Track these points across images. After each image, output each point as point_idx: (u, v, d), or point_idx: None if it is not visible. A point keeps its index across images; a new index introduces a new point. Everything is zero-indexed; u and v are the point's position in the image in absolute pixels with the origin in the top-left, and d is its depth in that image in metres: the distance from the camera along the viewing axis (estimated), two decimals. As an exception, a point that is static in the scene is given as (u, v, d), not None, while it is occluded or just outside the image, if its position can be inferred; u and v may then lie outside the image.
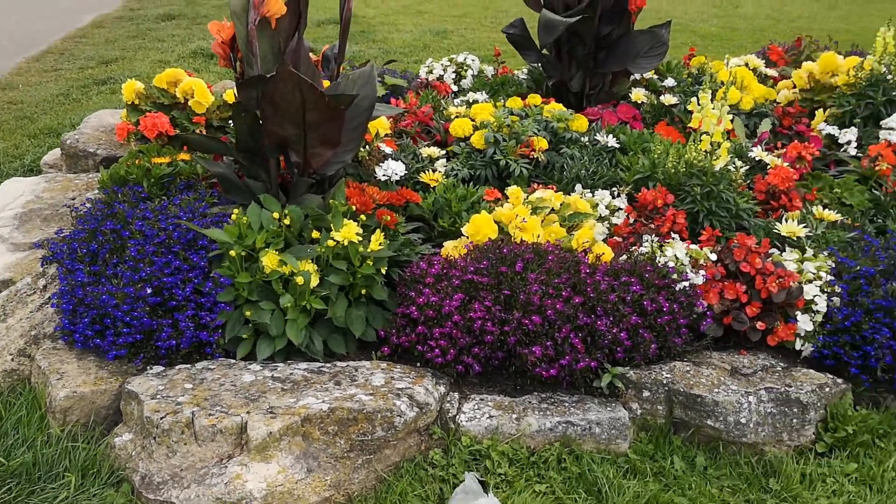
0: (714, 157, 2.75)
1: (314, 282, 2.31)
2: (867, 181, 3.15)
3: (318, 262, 2.37)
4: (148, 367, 2.27)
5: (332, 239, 2.35)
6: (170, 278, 2.31)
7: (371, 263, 2.36)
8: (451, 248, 2.56)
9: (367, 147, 3.04)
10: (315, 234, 2.40)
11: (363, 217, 2.48)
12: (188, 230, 2.44)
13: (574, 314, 2.24)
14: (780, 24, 7.56)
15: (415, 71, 4.65)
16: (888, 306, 2.33)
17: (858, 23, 7.03)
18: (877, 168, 3.10)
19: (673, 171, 2.83)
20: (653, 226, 2.68)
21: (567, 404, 2.22)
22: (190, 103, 3.28)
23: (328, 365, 2.28)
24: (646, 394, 2.25)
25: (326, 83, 2.99)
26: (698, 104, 2.82)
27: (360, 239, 2.38)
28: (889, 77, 3.64)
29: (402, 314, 2.35)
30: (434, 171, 3.04)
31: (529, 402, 2.22)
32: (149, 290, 2.30)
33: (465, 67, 4.17)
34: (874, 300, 2.35)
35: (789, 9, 8.19)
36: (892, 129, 3.42)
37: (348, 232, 2.35)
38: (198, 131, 3.28)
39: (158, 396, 2.10)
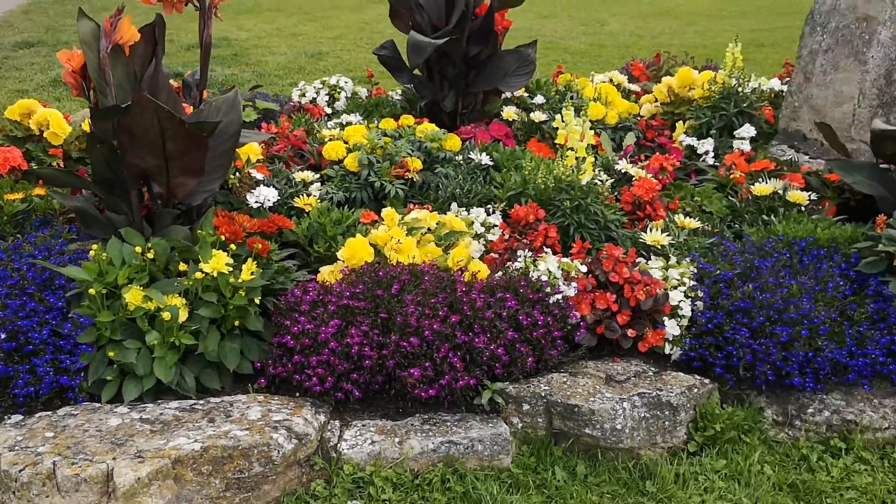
0: (580, 172, 2.83)
1: (183, 316, 2.22)
2: (724, 188, 3.32)
3: (187, 296, 2.29)
4: (6, 417, 2.13)
5: (201, 271, 2.28)
6: (25, 321, 2.18)
7: (243, 294, 2.30)
8: (327, 273, 2.53)
9: (238, 174, 2.97)
10: (182, 267, 2.32)
11: (233, 246, 2.42)
12: (44, 269, 2.31)
13: (452, 333, 2.25)
14: (644, 40, 7.91)
15: (288, 94, 4.60)
16: (746, 307, 2.45)
17: (714, 38, 7.45)
18: (731, 176, 3.27)
19: (543, 186, 2.90)
20: (526, 241, 2.73)
21: (449, 424, 2.22)
22: (46, 135, 3.12)
23: (202, 402, 2.20)
24: (526, 407, 2.28)
25: (190, 110, 2.91)
26: (563, 121, 2.90)
27: (231, 269, 2.31)
28: (739, 90, 3.87)
29: (279, 344, 2.30)
30: (308, 195, 3.00)
31: (412, 425, 2.21)
32: (2, 336, 2.16)
33: (338, 90, 4.15)
34: (733, 302, 2.48)
35: (652, 25, 8.59)
36: (743, 138, 3.64)
37: (217, 263, 2.29)
38: (55, 164, 3.12)
39: (17, 448, 1.97)
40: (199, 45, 2.58)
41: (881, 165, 3.08)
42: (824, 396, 2.43)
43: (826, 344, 2.41)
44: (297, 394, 2.28)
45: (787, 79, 4.01)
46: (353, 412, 2.29)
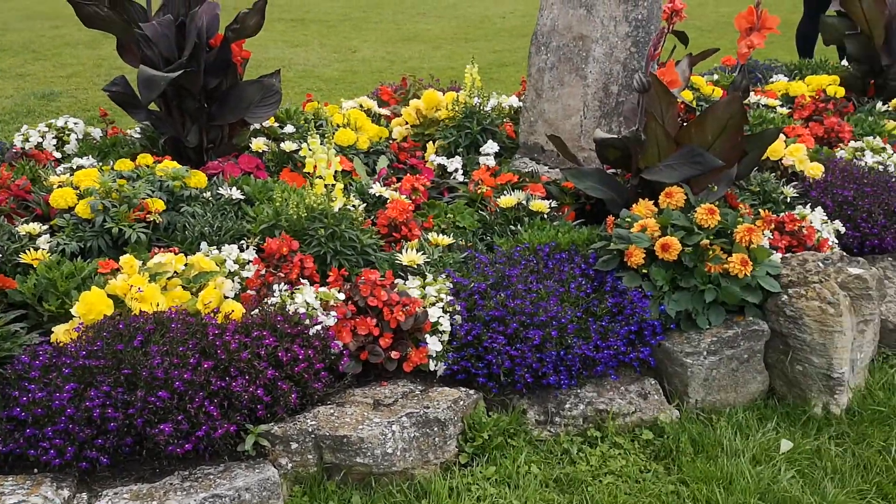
0: (331, 199, 2.81)
1: None
2: (475, 203, 3.45)
3: None
4: None
5: None
6: None
7: (-42, 368, 2.03)
8: (61, 333, 2.31)
9: (-52, 233, 2.64)
10: None
11: (-58, 316, 2.13)
12: None
13: (206, 380, 2.13)
14: (395, 65, 8.11)
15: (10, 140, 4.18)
16: (500, 315, 2.55)
17: (460, 60, 7.79)
18: (479, 191, 3.41)
19: (296, 217, 2.84)
20: (282, 274, 2.66)
21: (213, 476, 2.09)
22: None
23: (-86, 499, 1.91)
24: (294, 446, 2.21)
25: None
26: (309, 149, 2.87)
27: (-60, 342, 2.03)
28: (480, 108, 4.05)
29: (8, 418, 2.05)
30: (37, 248, 2.73)
31: (171, 484, 2.06)
32: None
33: (67, 132, 3.83)
34: (488, 312, 2.56)
35: (402, 51, 8.83)
36: (488, 154, 3.80)
37: (-78, 336, 2.00)
38: None
39: None
40: None
41: (608, 170, 3.35)
42: (579, 391, 2.57)
43: (575, 341, 2.56)
44: (36, 470, 2.04)
45: (524, 95, 4.25)
46: (104, 480, 2.09)
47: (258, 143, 3.72)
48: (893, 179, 3.46)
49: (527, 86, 3.92)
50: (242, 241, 2.90)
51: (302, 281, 2.63)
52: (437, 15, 11.32)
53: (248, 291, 2.64)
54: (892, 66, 4.59)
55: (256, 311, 2.46)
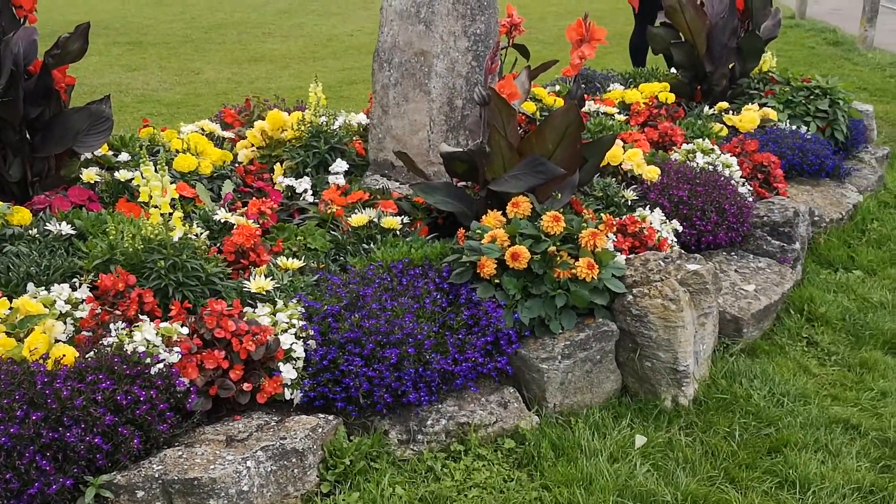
0: (170, 229, 2.68)
1: None
2: (326, 223, 3.38)
3: None
4: None
5: None
6: None
7: None
8: None
9: None
10: None
11: None
12: None
13: (37, 433, 1.96)
14: (241, 86, 7.91)
15: None
16: (356, 337, 2.50)
17: (307, 80, 7.66)
18: (330, 211, 3.35)
19: (132, 249, 2.68)
20: (119, 311, 2.49)
21: (49, 538, 1.92)
22: None
23: None
24: (140, 494, 2.07)
25: None
26: (143, 177, 2.72)
27: None
28: (327, 127, 3.99)
29: None
30: None
31: (1, 552, 1.88)
32: None
33: None
34: (343, 334, 2.51)
35: (248, 71, 8.62)
36: (338, 173, 3.75)
37: None
38: None
39: None
40: None
41: (457, 183, 3.37)
42: (440, 406, 2.56)
43: (433, 356, 2.55)
44: None
45: (371, 112, 4.23)
46: (-80, 558, 1.88)
47: (90, 174, 3.50)
48: (722, 178, 3.67)
49: (373, 103, 3.90)
50: (75, 280, 2.71)
51: (141, 317, 2.48)
52: (283, 34, 11.15)
53: (83, 333, 2.46)
54: (715, 72, 4.89)
55: (92, 353, 2.30)
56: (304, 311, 2.61)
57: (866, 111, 5.14)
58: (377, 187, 3.70)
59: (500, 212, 3.04)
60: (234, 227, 3.14)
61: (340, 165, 3.79)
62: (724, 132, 4.48)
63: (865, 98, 6.79)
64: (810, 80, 4.91)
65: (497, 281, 2.79)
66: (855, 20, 10.80)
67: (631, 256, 3.01)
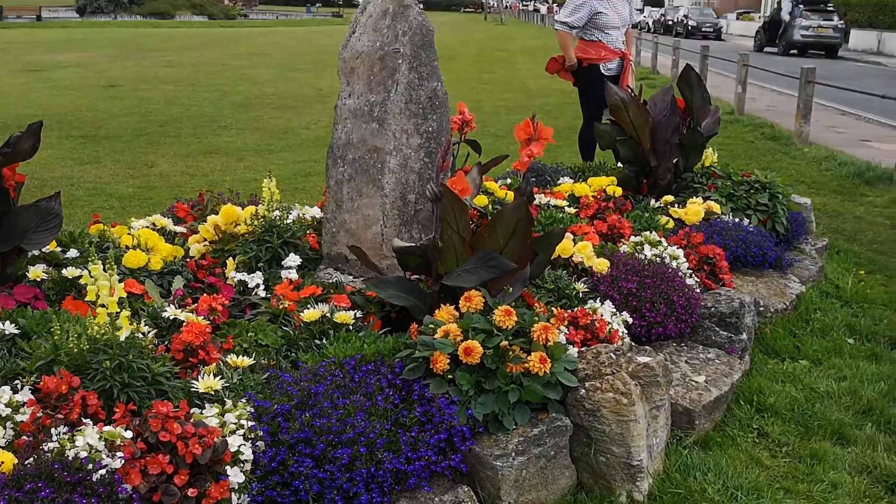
0: (117, 328, 2.63)
1: None
2: (278, 319, 3.35)
3: None
4: None
5: None
6: None
7: None
8: None
9: None
10: None
11: None
12: None
13: (-33, 549, 1.86)
14: (196, 178, 7.93)
15: None
16: (306, 437, 2.45)
17: (263, 172, 7.72)
18: (282, 306, 3.33)
19: (77, 350, 2.62)
20: (61, 415, 2.42)
21: None
22: None
23: None
24: None
25: None
26: (91, 276, 2.68)
27: None
28: (280, 221, 4.01)
29: None
30: None
31: None
32: None
33: None
34: (293, 434, 2.46)
35: (203, 164, 8.66)
36: (291, 267, 3.75)
37: None
38: None
39: None
40: None
41: (410, 277, 3.39)
42: (392, 507, 2.50)
43: (385, 455, 2.50)
44: None
45: (325, 207, 4.27)
46: None
47: (36, 272, 3.44)
48: (670, 270, 3.75)
49: (327, 197, 3.94)
50: (17, 381, 2.63)
51: (84, 421, 2.40)
52: (239, 127, 11.28)
53: (23, 437, 2.37)
54: (659, 167, 5.07)
55: (32, 459, 2.21)
56: (253, 410, 2.56)
57: (804, 204, 5.35)
58: (330, 281, 3.71)
59: (453, 306, 3.05)
60: (184, 324, 3.10)
61: (294, 260, 3.79)
62: (671, 224, 4.61)
63: (803, 191, 7.07)
64: (750, 175, 5.11)
65: (450, 376, 2.78)
66: (790, 116, 11.35)
67: (583, 349, 3.03)
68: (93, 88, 15.53)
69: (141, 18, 53.11)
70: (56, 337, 2.71)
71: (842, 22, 31.01)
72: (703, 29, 41.89)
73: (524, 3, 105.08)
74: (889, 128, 11.78)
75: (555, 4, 74.21)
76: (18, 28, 40.00)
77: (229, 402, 2.58)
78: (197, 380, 2.71)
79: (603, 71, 6.31)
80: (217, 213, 4.29)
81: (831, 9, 30.62)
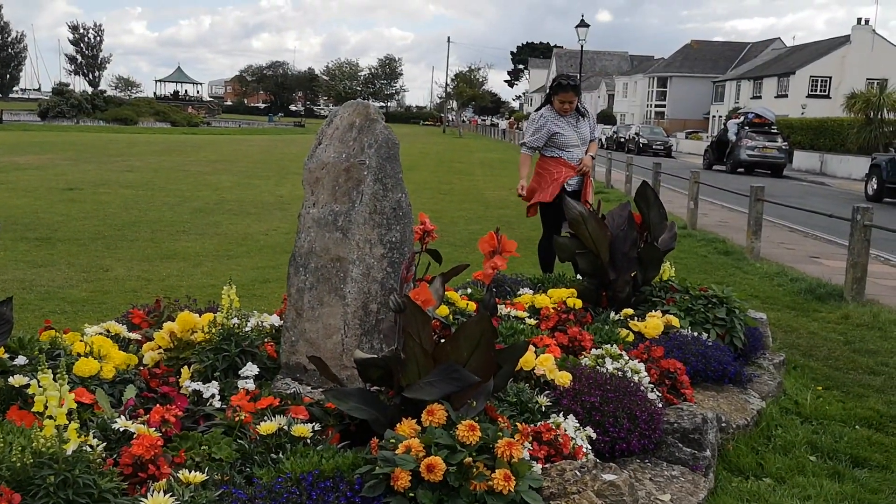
0: (64, 441, 2.51)
1: None
2: (234, 431, 3.24)
3: None
4: None
5: None
6: None
7: None
8: None
9: None
10: None
11: None
12: None
13: None
14: (152, 283, 7.80)
15: None
16: (260, 560, 2.32)
17: (221, 277, 7.67)
18: (238, 418, 3.22)
19: (20, 464, 2.49)
20: (-3, 535, 2.27)
21: None
22: None
23: None
24: None
25: None
26: (39, 385, 2.58)
27: None
28: (238, 329, 3.94)
29: None
30: None
31: None
32: None
33: None
34: (246, 558, 2.33)
35: (159, 269, 8.55)
36: (248, 377, 3.65)
37: None
38: None
39: None
40: None
41: (371, 389, 3.33)
42: None
43: (343, 580, 2.38)
44: None
45: (285, 315, 4.21)
46: None
47: (-19, 378, 3.30)
48: (632, 384, 3.74)
49: (287, 305, 3.89)
50: (-50, 498, 2.47)
51: (23, 542, 2.26)
52: (198, 232, 11.23)
53: (-48, 561, 2.21)
54: (618, 280, 5.14)
55: (-40, 585, 2.05)
56: (204, 531, 2.43)
57: (761, 319, 5.44)
58: (289, 391, 3.62)
59: (415, 419, 2.98)
60: (135, 435, 2.98)
61: (251, 369, 3.70)
62: (630, 338, 4.63)
63: (757, 305, 7.20)
64: (707, 290, 5.21)
65: (412, 494, 2.69)
66: (741, 231, 11.71)
67: (547, 466, 2.97)
68: (51, 191, 15.44)
69: (104, 124, 53.59)
70: (-2, 449, 2.57)
71: (786, 143, 32.59)
72: (654, 146, 43.66)
73: (482, 117, 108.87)
74: (836, 245, 12.19)
75: (516, 120, 77.01)
76: (-22, 129, 39.96)
77: (180, 522, 2.44)
78: (146, 496, 2.58)
79: (565, 186, 6.49)
80: (173, 320, 4.21)
81: (775, 130, 32.22)
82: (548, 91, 6.82)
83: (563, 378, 3.75)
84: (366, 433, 3.24)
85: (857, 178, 29.89)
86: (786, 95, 56.23)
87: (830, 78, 54.70)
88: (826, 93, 54.41)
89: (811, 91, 55.36)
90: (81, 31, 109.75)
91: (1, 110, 53.59)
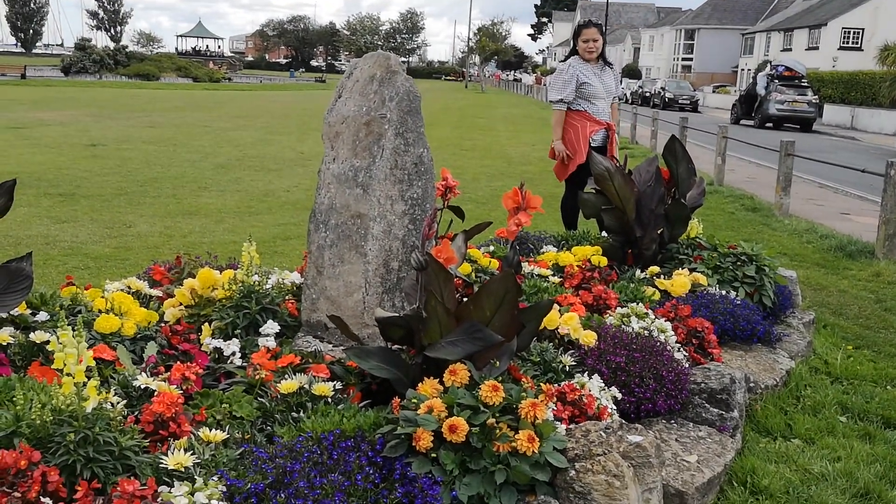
0: (83, 399, 2.49)
1: None
2: (254, 389, 3.21)
3: None
4: None
5: None
6: None
7: None
8: None
9: None
10: None
11: None
12: None
13: None
14: (174, 240, 7.80)
15: None
16: (281, 520, 2.30)
17: (242, 234, 7.64)
18: (258, 376, 3.20)
19: (39, 422, 2.47)
20: (18, 494, 2.26)
21: None
22: None
23: None
24: None
25: None
26: (59, 342, 2.55)
27: None
28: (259, 286, 3.90)
29: None
30: None
31: None
32: None
33: None
34: (267, 517, 2.31)
35: (181, 225, 8.55)
36: (268, 335, 3.62)
37: None
38: None
39: None
40: None
41: (393, 347, 3.28)
42: None
43: (364, 540, 2.36)
44: None
45: (305, 272, 4.16)
46: None
47: (3, 335, 3.29)
48: (659, 344, 3.67)
49: (308, 263, 3.84)
50: (-28, 455, 2.47)
51: (43, 500, 2.24)
52: (220, 188, 11.21)
53: (-24, 518, 2.21)
54: (644, 237, 5.03)
55: (-18, 543, 2.05)
56: (225, 489, 2.41)
57: (790, 277, 5.32)
58: (309, 350, 3.58)
59: (437, 379, 2.94)
60: (155, 393, 2.96)
61: (272, 327, 3.67)
62: (657, 296, 4.54)
63: (786, 263, 7.06)
64: (736, 247, 5.09)
65: (434, 455, 2.65)
66: (769, 188, 11.49)
67: (571, 427, 2.92)
68: (74, 147, 15.47)
69: (126, 80, 53.59)
70: (18, 407, 2.56)
71: (816, 97, 31.87)
72: (679, 101, 42.91)
73: (506, 72, 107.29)
74: (867, 201, 11.94)
75: (542, 75, 75.84)
76: (2, 86, 40.11)
77: (200, 480, 2.42)
78: (167, 454, 2.56)
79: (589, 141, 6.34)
80: (194, 277, 4.17)
81: (806, 84, 31.49)
82: (572, 41, 6.63)
83: (588, 337, 3.68)
84: (387, 392, 3.20)
85: (889, 133, 29.25)
86: (816, 48, 54.87)
87: (863, 30, 53.23)
88: (858, 45, 53.03)
89: (843, 43, 53.96)
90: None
91: (25, 66, 53.70)
